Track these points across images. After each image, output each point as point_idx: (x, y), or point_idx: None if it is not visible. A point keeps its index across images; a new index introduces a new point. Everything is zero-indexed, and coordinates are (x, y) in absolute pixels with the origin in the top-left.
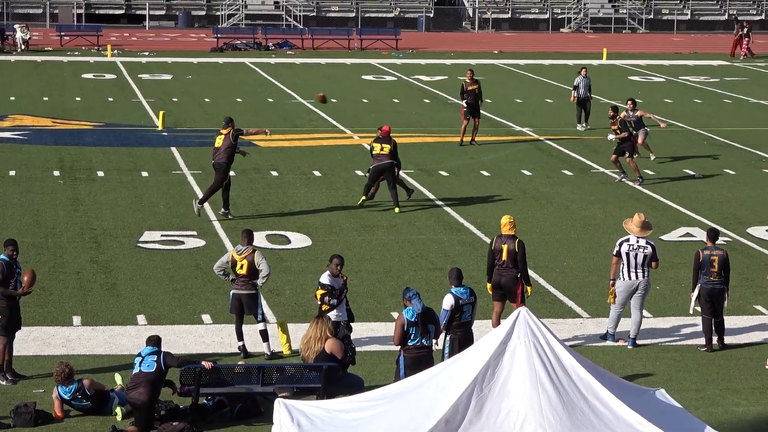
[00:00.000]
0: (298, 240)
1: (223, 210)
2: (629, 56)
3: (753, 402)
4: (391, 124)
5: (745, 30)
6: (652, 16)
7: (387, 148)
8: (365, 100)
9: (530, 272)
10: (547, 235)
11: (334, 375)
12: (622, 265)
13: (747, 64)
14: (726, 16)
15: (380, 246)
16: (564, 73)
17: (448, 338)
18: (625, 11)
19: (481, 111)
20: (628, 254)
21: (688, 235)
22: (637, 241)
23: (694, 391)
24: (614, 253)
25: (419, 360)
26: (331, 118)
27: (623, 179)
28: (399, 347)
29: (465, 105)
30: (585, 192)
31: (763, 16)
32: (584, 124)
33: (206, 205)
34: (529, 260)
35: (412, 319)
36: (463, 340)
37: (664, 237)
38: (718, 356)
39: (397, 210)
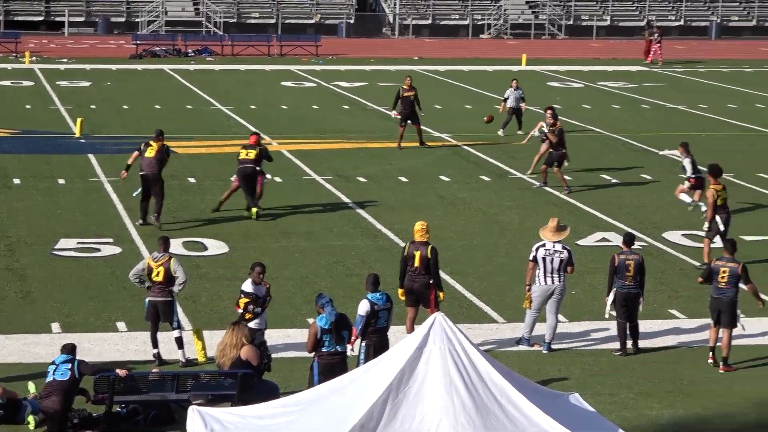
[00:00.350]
0: (215, 247)
1: (140, 221)
2: (548, 62)
3: (666, 406)
4: (311, 130)
5: (656, 35)
6: (571, 22)
7: (252, 153)
8: (284, 107)
9: (447, 277)
10: (464, 241)
11: (249, 382)
12: (538, 270)
13: (665, 70)
14: (644, 22)
15: (297, 252)
16: (483, 79)
17: (363, 344)
18: (544, 17)
19: (399, 117)
20: (544, 259)
21: (604, 239)
22: (553, 246)
23: (608, 395)
24: (530, 258)
25: (333, 366)
26: (250, 124)
27: (542, 187)
28: (313, 354)
29: (395, 114)
30: (503, 197)
31: (681, 22)
32: (518, 131)
33: (123, 212)
34: (446, 265)
35: (326, 327)
36: (378, 345)
37: (581, 242)
38: (632, 360)
39: (254, 211)
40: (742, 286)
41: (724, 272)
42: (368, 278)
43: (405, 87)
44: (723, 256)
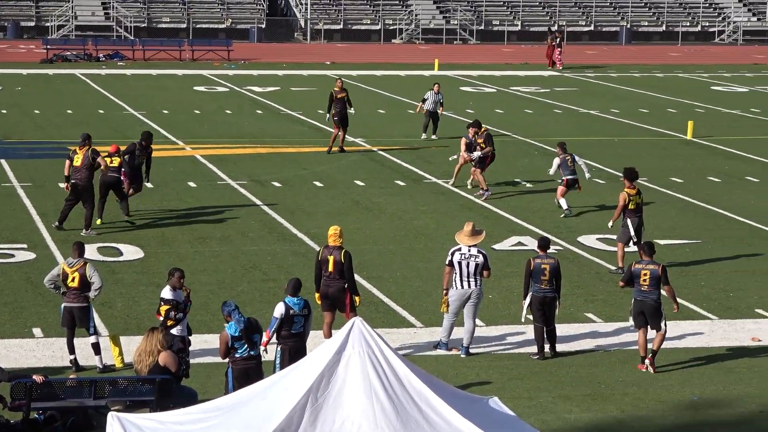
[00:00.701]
0: (130, 252)
1: (57, 224)
2: (461, 67)
3: (584, 409)
4: (224, 135)
5: (557, 40)
6: (483, 27)
7: (117, 161)
8: (197, 111)
9: (364, 282)
10: (380, 245)
11: (167, 387)
12: (454, 275)
13: (577, 75)
14: (556, 27)
15: (213, 257)
16: (396, 83)
17: (278, 348)
18: (456, 22)
19: (315, 122)
20: (460, 263)
21: (519, 244)
22: (469, 251)
23: (526, 399)
24: (447, 262)
25: (247, 372)
26: (163, 129)
27: (486, 194)
28: (227, 360)
29: (331, 116)
30: (418, 202)
31: (591, 27)
32: (433, 135)
33: (36, 218)
34: (362, 270)
35: (236, 334)
36: (294, 351)
37: (496, 246)
38: (550, 364)
39: (99, 222)
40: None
41: (645, 275)
42: (289, 282)
43: (336, 89)
44: (642, 258)
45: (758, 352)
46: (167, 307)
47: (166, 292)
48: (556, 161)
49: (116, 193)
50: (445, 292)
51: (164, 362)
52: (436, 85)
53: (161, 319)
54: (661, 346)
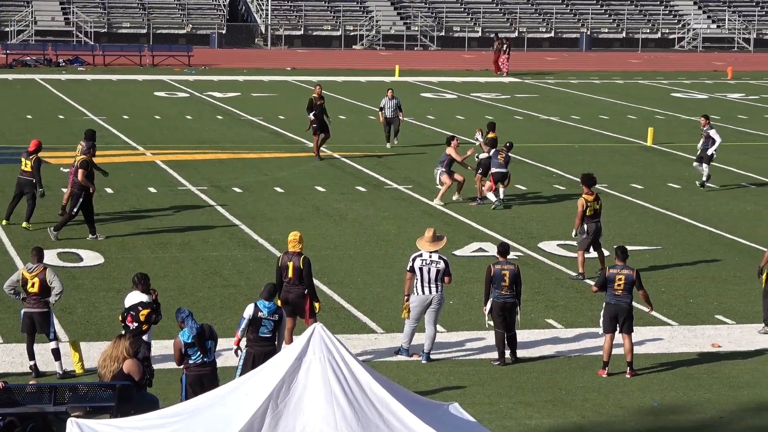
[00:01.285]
0: (90, 257)
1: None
2: (421, 73)
3: (545, 415)
4: (185, 140)
5: (504, 47)
6: (443, 34)
7: (29, 164)
8: (157, 117)
9: (325, 288)
10: (341, 251)
11: (127, 394)
12: (415, 280)
13: (537, 81)
14: (516, 33)
15: (174, 263)
16: (357, 89)
17: (245, 351)
18: (416, 28)
19: (276, 128)
20: (421, 269)
21: (480, 250)
22: (430, 256)
23: (487, 405)
24: (408, 268)
25: (201, 378)
26: (123, 134)
27: (481, 203)
28: (182, 366)
29: (312, 117)
30: (379, 208)
31: (552, 34)
32: (395, 141)
33: None
34: (323, 276)
35: (188, 341)
36: (260, 355)
37: (457, 252)
38: (511, 370)
39: (24, 225)
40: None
41: (620, 279)
42: (265, 286)
43: (316, 95)
44: (615, 263)
45: (718, 358)
46: (147, 311)
47: (138, 296)
48: (483, 155)
49: (27, 196)
50: (406, 297)
51: (128, 370)
52: (390, 91)
53: (134, 324)
54: (621, 353)
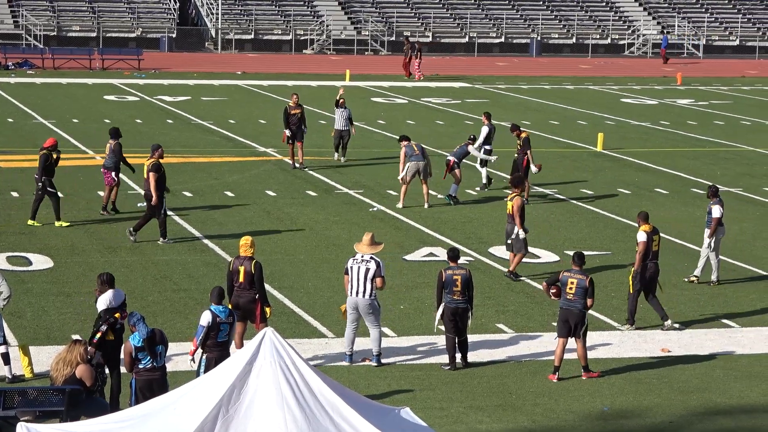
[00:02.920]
0: (40, 262)
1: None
2: (372, 77)
3: (496, 419)
4: (134, 144)
5: (415, 51)
6: (393, 38)
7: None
8: (107, 121)
9: (275, 292)
10: (291, 256)
11: (77, 398)
12: (350, 282)
13: (488, 86)
14: (467, 39)
15: (123, 267)
16: (307, 94)
17: (204, 357)
18: (367, 33)
19: (226, 132)
20: (352, 268)
21: (431, 255)
22: (362, 257)
23: (438, 410)
24: (344, 271)
25: (151, 383)
26: (73, 138)
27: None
28: (132, 372)
29: (286, 133)
30: (329, 212)
31: (502, 39)
32: (342, 158)
33: None
34: (274, 281)
35: (139, 345)
36: (219, 359)
37: (408, 257)
38: (462, 374)
39: (58, 224)
40: None
41: (571, 284)
42: (213, 290)
43: (291, 104)
44: (571, 268)
45: (668, 363)
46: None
47: (116, 294)
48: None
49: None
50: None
51: (81, 375)
52: (342, 99)
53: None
54: (572, 357)
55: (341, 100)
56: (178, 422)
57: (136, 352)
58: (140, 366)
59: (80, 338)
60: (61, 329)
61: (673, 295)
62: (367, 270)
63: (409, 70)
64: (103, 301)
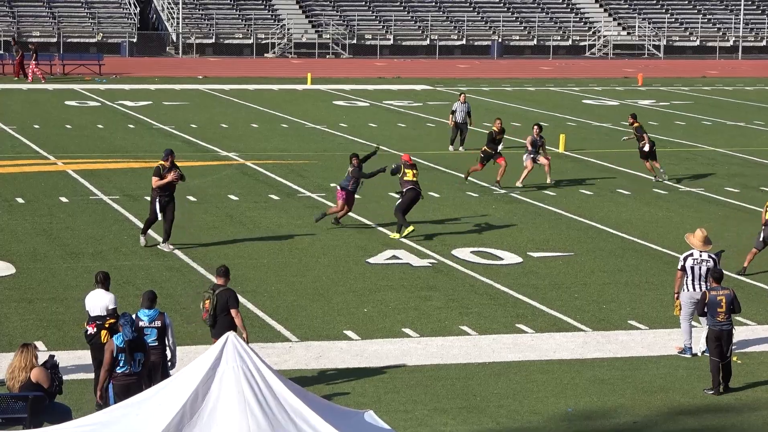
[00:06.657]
0: (1, 268)
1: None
2: (334, 81)
3: (460, 422)
4: (96, 149)
5: (31, 53)
6: (355, 42)
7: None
8: (68, 126)
9: (239, 297)
10: (254, 260)
11: (40, 404)
12: (685, 279)
13: (449, 89)
14: (428, 42)
15: (86, 273)
16: (269, 98)
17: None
18: (328, 36)
19: (188, 137)
20: (692, 268)
21: (394, 257)
22: (701, 255)
23: (402, 412)
24: (679, 267)
25: (128, 388)
26: (34, 144)
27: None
28: (108, 376)
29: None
30: (292, 216)
31: (463, 41)
32: (459, 149)
33: None
34: (236, 285)
35: (120, 345)
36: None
37: (371, 260)
38: (426, 377)
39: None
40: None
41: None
42: (144, 295)
43: (495, 129)
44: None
45: (631, 364)
46: (113, 321)
47: (104, 295)
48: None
49: None
50: (675, 296)
51: (36, 378)
52: (462, 95)
53: (93, 331)
54: (535, 359)
55: (462, 96)
56: (141, 428)
57: (117, 351)
58: (118, 370)
59: (29, 342)
60: (24, 336)
61: (637, 295)
62: (707, 269)
63: (24, 71)
64: (111, 300)
